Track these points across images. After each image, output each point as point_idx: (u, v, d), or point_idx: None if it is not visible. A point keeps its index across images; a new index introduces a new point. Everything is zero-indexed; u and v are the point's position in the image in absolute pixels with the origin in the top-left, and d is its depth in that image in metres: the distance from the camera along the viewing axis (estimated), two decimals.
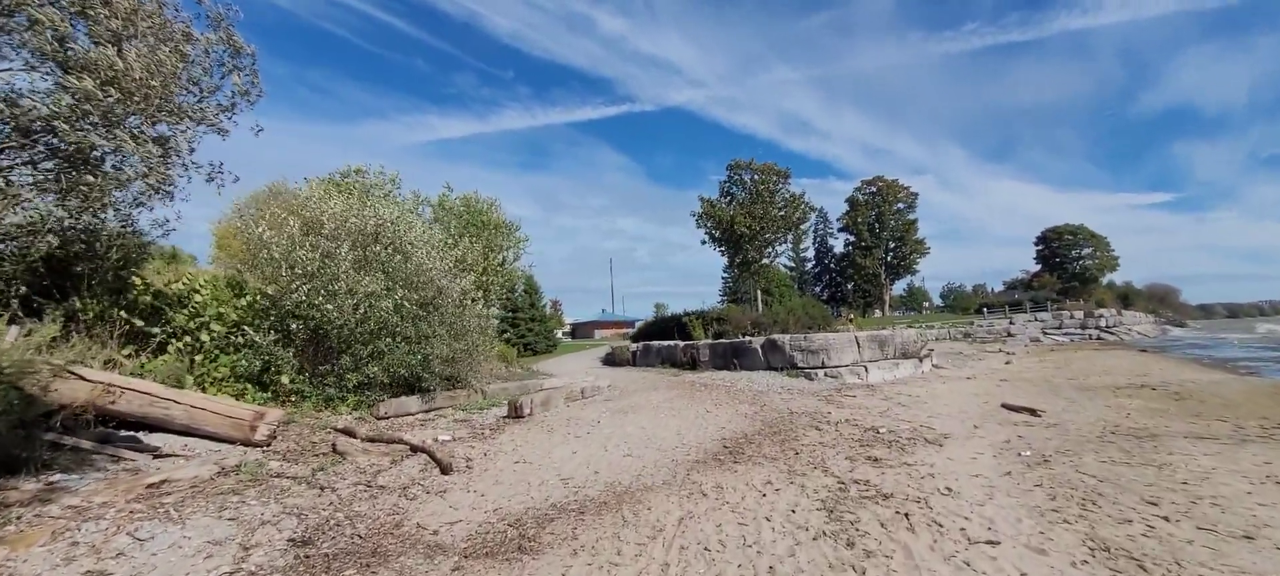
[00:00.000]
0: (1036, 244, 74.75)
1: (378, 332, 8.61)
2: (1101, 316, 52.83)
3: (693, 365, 18.68)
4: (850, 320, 27.83)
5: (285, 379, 8.25)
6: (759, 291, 25.33)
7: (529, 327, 36.23)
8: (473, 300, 10.00)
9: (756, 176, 22.98)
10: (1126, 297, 66.02)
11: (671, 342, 20.38)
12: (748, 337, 18.25)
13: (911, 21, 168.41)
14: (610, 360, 23.10)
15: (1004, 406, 10.62)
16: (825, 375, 15.25)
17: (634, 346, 22.57)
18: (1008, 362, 22.29)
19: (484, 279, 22.36)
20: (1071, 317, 51.64)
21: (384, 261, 8.97)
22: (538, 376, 15.75)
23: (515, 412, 9.08)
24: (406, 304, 8.74)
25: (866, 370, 15.45)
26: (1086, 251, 70.08)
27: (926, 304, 76.73)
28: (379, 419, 8.38)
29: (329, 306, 7.97)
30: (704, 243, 24.63)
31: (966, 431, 8.34)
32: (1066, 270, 69.42)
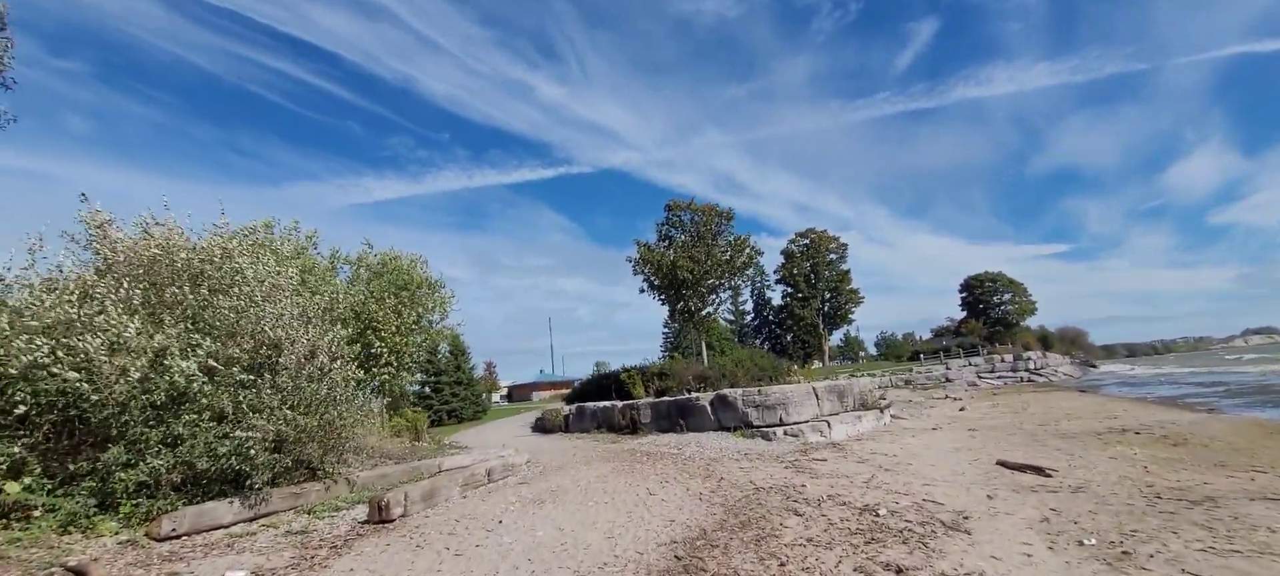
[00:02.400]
0: (961, 291, 77.43)
1: (170, 407, 5.90)
2: (1029, 359, 54.29)
3: (633, 428, 16.29)
4: (794, 371, 26.25)
5: (13, 487, 5.39)
6: (704, 342, 23.42)
7: (454, 393, 32.83)
8: (333, 359, 7.37)
9: (697, 217, 21.41)
10: (1047, 340, 68.90)
11: (608, 404, 17.98)
12: (694, 394, 16.13)
13: (828, 91, 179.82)
14: (541, 426, 20.36)
15: (1001, 464, 8.84)
16: (784, 433, 13.25)
17: (567, 409, 19.99)
18: (962, 409, 21.15)
19: (397, 341, 19.60)
20: (1002, 361, 52.74)
21: (191, 306, 6.32)
22: (445, 452, 12.96)
23: (379, 514, 6.43)
24: (217, 364, 6.09)
25: (829, 426, 13.57)
26: (1007, 297, 72.96)
27: (862, 353, 77.49)
28: (160, 539, 5.56)
29: (73, 375, 5.27)
30: (642, 291, 22.65)
31: (982, 505, 6.40)
32: (990, 315, 71.85)
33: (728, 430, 14.20)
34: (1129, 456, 8.70)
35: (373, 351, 18.90)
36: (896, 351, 72.45)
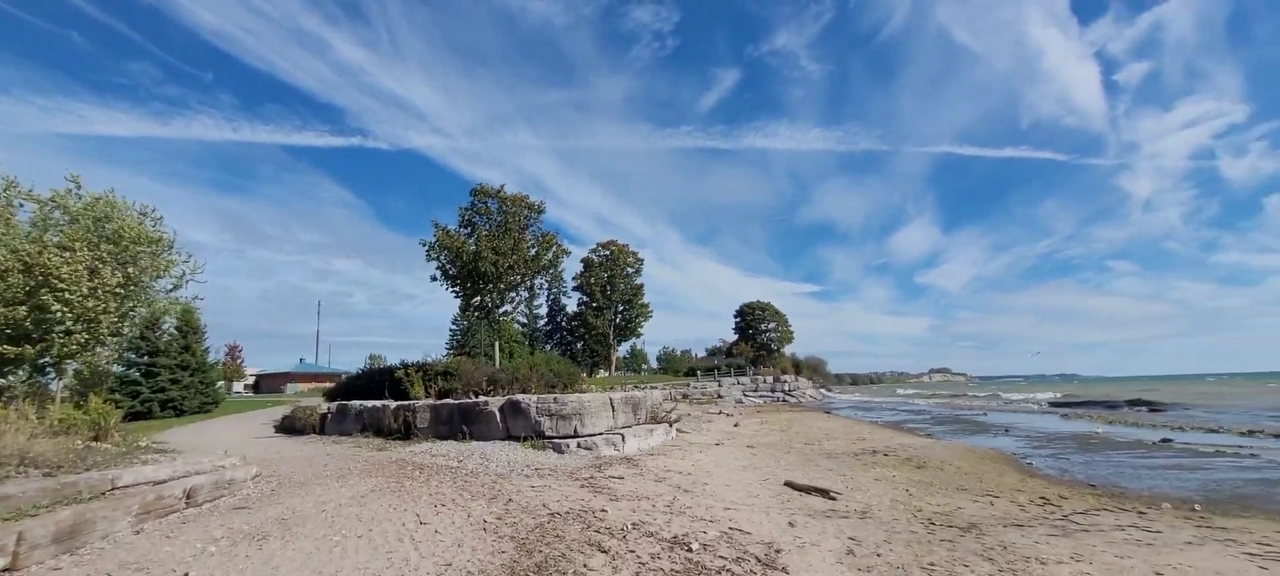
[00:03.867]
0: (736, 316, 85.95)
1: None
2: (786, 381, 62.04)
3: (406, 433, 14.14)
4: (584, 380, 25.90)
5: None
6: (498, 343, 21.69)
7: (174, 379, 26.23)
8: None
9: (506, 206, 19.72)
10: (799, 366, 79.60)
11: (380, 403, 15.48)
12: (482, 398, 14.56)
13: (641, 115, 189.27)
14: (289, 426, 16.85)
15: (789, 485, 9.05)
16: (578, 446, 12.42)
17: (326, 407, 16.82)
18: (736, 425, 22.62)
19: (89, 306, 14.82)
20: (764, 382, 59.48)
21: None
22: (133, 460, 9.55)
23: None
24: None
25: (623, 439, 13.11)
26: (772, 326, 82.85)
27: (645, 365, 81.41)
28: None
29: None
30: (434, 279, 20.15)
31: (787, 534, 6.18)
32: (758, 340, 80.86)
33: (517, 439, 12.97)
34: (890, 479, 9.50)
35: (49, 315, 14.19)
36: (675, 366, 77.61)
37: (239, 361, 58.21)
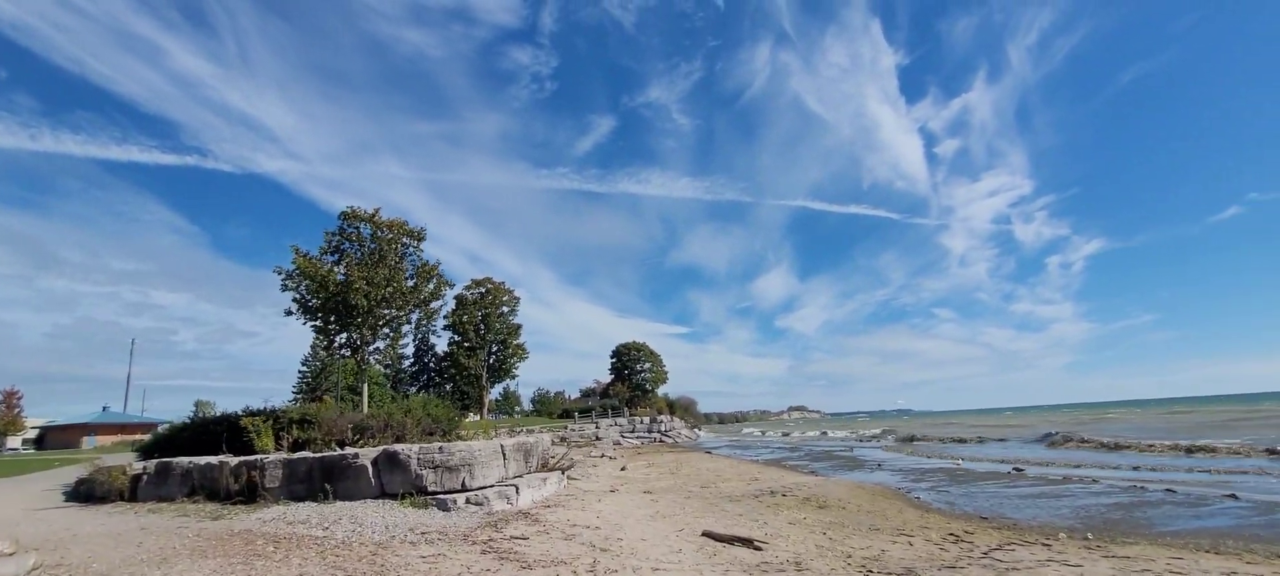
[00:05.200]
0: (612, 356, 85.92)
1: None
2: (662, 421, 62.62)
3: (251, 496, 11.86)
4: (463, 424, 24.04)
5: None
6: (366, 386, 19.27)
7: None
8: None
9: (381, 232, 17.73)
10: (672, 406, 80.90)
11: (216, 459, 12.92)
12: (350, 450, 12.68)
13: (517, 154, 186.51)
14: (87, 493, 13.49)
15: (708, 536, 8.60)
16: (467, 501, 11.13)
17: (140, 466, 13.72)
18: (623, 469, 22.03)
19: None
20: (641, 422, 59.57)
21: None
22: None
23: None
24: None
25: (516, 491, 12.02)
26: (646, 366, 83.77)
27: (518, 408, 78.39)
28: None
29: None
30: (290, 313, 17.45)
31: None
32: (633, 381, 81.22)
33: (394, 497, 11.36)
34: (802, 521, 9.41)
35: None
36: (550, 408, 75.61)
37: (17, 410, 47.35)
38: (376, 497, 11.42)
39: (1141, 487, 12.42)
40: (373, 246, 17.62)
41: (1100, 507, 10.64)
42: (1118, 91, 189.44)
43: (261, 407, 16.33)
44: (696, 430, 78.34)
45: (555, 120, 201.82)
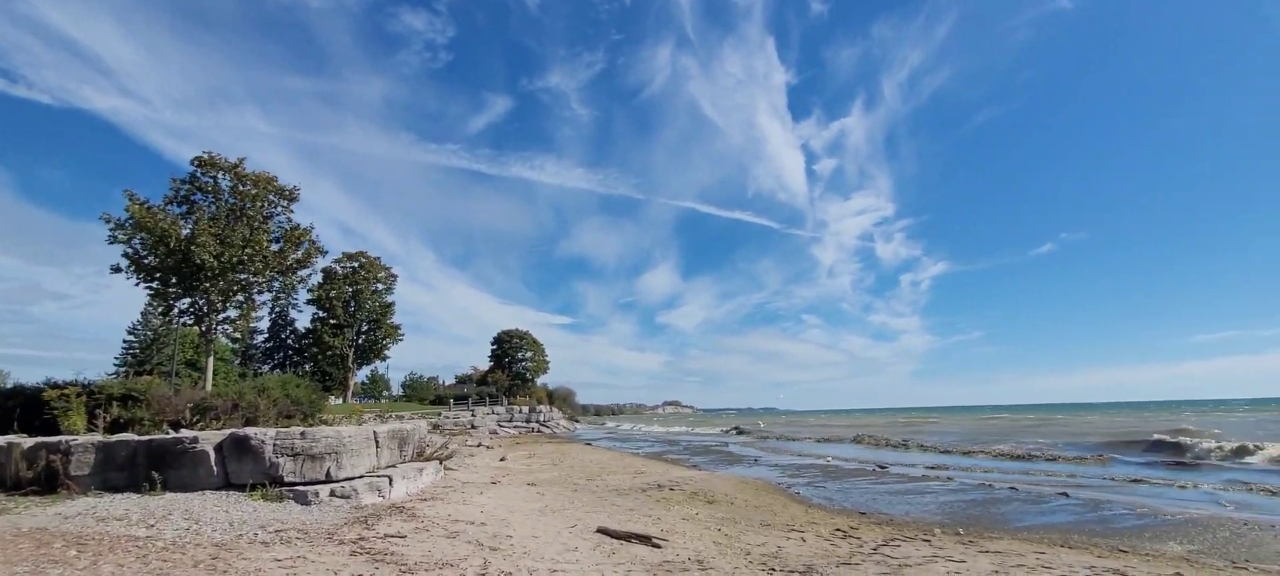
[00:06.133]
0: (492, 343, 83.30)
1: None
2: (541, 412, 61.68)
3: (49, 485, 9.83)
4: (327, 407, 21.99)
5: None
6: (211, 361, 16.74)
7: None
8: None
9: (243, 186, 15.36)
10: (552, 397, 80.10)
11: (2, 440, 10.60)
12: (188, 433, 10.97)
13: (402, 123, 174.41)
14: None
15: (602, 532, 8.37)
16: (332, 494, 10.01)
17: None
18: (503, 459, 21.28)
19: None
20: (520, 412, 58.28)
21: None
22: None
23: None
24: None
25: (390, 482, 11.07)
26: (528, 355, 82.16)
27: (386, 392, 73.64)
28: None
29: None
30: (120, 270, 14.61)
31: None
32: (513, 369, 79.31)
33: (239, 487, 9.96)
34: (694, 517, 9.47)
35: None
36: (422, 394, 71.88)
37: None
38: (219, 488, 9.96)
39: (990, 486, 13.99)
40: (232, 201, 15.26)
41: (961, 503, 11.80)
42: (971, 130, 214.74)
43: (71, 380, 13.70)
44: (575, 422, 78.17)
45: (447, 93, 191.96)
